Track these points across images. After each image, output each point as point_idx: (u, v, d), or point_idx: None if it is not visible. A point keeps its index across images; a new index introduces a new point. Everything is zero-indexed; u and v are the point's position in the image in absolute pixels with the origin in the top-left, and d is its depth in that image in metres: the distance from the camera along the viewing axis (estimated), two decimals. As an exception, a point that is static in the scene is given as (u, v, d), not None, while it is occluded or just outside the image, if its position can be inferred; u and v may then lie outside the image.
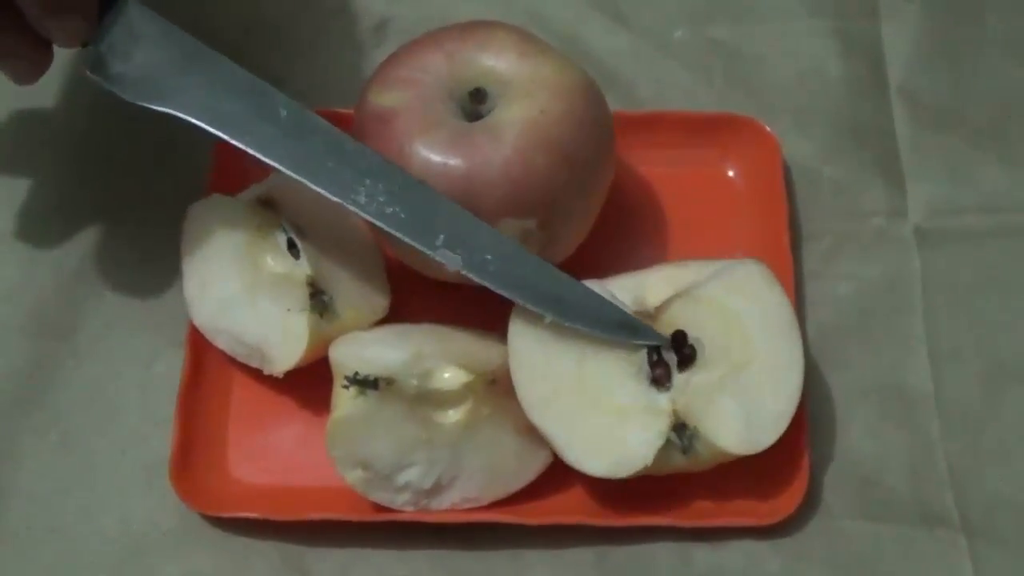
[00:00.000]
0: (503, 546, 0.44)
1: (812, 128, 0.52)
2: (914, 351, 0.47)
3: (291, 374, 0.45)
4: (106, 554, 0.44)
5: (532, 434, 0.43)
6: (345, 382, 0.42)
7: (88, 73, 0.42)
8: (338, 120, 0.44)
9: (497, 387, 0.44)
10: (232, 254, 0.46)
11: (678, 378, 0.43)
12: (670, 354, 0.43)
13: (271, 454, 0.46)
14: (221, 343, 0.46)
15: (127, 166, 0.51)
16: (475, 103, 0.44)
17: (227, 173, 0.49)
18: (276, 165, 0.42)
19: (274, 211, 0.46)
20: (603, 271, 0.45)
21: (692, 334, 0.43)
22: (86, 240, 0.49)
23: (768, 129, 0.50)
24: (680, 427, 0.42)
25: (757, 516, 0.44)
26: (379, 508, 0.43)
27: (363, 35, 0.54)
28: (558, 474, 0.44)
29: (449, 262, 0.42)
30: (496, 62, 0.44)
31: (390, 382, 0.42)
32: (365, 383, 0.42)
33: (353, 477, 0.42)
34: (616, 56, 0.54)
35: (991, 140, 0.52)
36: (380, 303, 0.46)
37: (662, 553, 0.44)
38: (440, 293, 0.45)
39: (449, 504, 0.43)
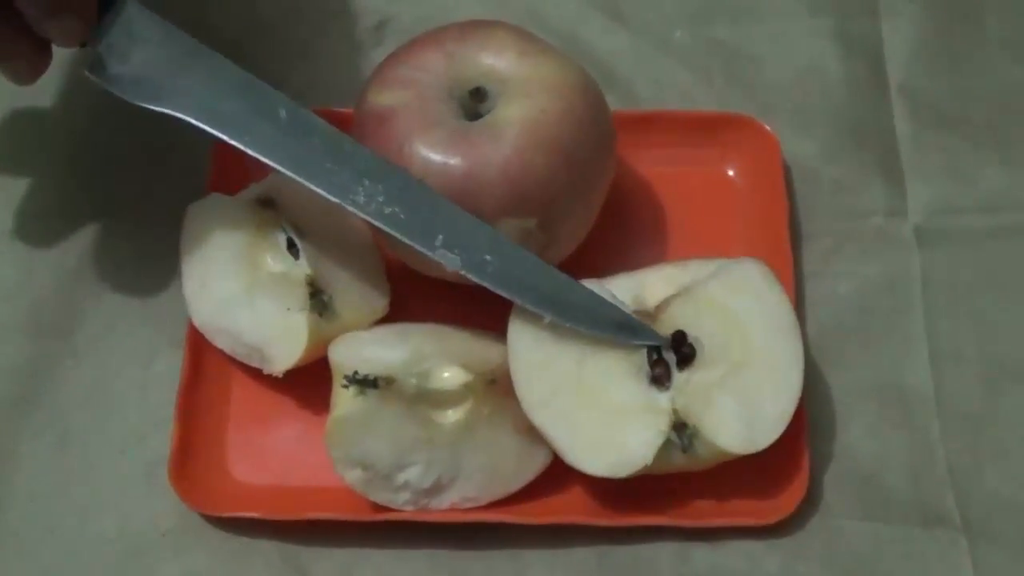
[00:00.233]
0: (503, 546, 0.44)
1: (812, 127, 0.52)
2: (914, 351, 0.47)
3: (290, 374, 0.45)
4: (105, 554, 0.44)
5: (532, 434, 0.43)
6: (344, 382, 0.42)
7: (86, 73, 0.42)
8: (338, 120, 0.44)
9: (497, 387, 0.44)
10: (231, 254, 0.46)
11: (678, 377, 0.43)
12: (670, 353, 0.43)
13: (270, 454, 0.46)
14: (220, 343, 0.46)
15: (126, 166, 0.51)
16: (475, 102, 0.44)
17: (227, 173, 0.49)
18: (275, 165, 0.42)
19: (274, 211, 0.46)
20: (603, 271, 0.45)
21: (692, 333, 0.43)
22: (85, 240, 0.49)
23: (768, 128, 0.50)
24: (680, 426, 0.42)
25: (757, 516, 0.44)
26: (379, 508, 0.43)
27: (363, 35, 0.54)
28: (558, 474, 0.44)
29: (448, 262, 0.42)
30: (496, 61, 0.44)
31: (389, 382, 0.42)
32: (364, 383, 0.42)
33: (352, 477, 0.42)
34: (616, 55, 0.54)
35: (991, 140, 0.52)
36: (379, 303, 0.46)
37: (662, 553, 0.44)
38: (440, 293, 0.45)
39: (449, 504, 0.43)
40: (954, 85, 0.53)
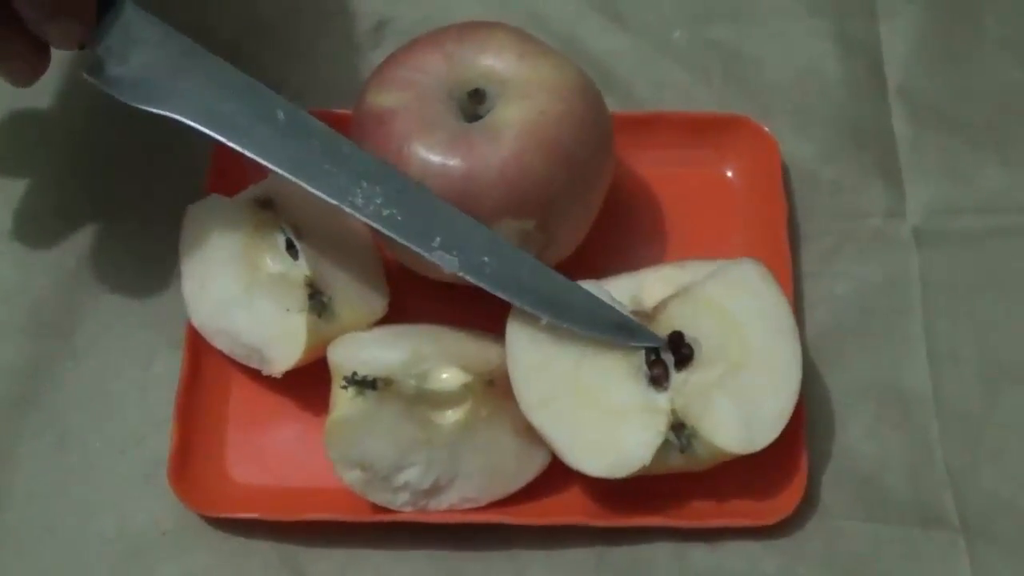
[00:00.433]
0: (502, 546, 0.44)
1: (811, 128, 0.52)
2: (913, 351, 0.47)
3: (289, 374, 0.45)
4: (104, 554, 0.44)
5: (530, 435, 0.43)
6: (343, 382, 0.42)
7: (85, 75, 0.42)
8: (337, 121, 0.45)
9: (496, 388, 0.44)
10: (231, 254, 0.46)
11: (676, 378, 0.43)
12: (668, 354, 0.43)
13: (269, 454, 0.46)
14: (220, 343, 0.46)
15: (126, 167, 0.51)
16: (474, 104, 0.44)
17: (226, 174, 0.49)
18: (273, 167, 0.42)
19: (273, 212, 0.46)
20: (602, 272, 0.45)
21: (690, 334, 0.43)
22: (85, 241, 0.49)
23: (766, 129, 0.50)
24: (678, 427, 0.42)
25: (755, 516, 0.44)
26: (377, 509, 0.43)
27: (362, 36, 0.54)
28: (556, 475, 0.44)
29: (446, 264, 0.42)
30: (495, 63, 0.44)
31: (388, 383, 0.42)
32: (363, 384, 0.42)
33: (351, 478, 0.42)
34: (615, 57, 0.54)
35: (990, 140, 0.52)
36: (379, 304, 0.46)
37: (661, 553, 0.44)
38: (439, 294, 0.45)
39: (448, 505, 0.43)
40: (953, 86, 0.53)
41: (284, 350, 0.44)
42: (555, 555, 0.44)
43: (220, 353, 0.46)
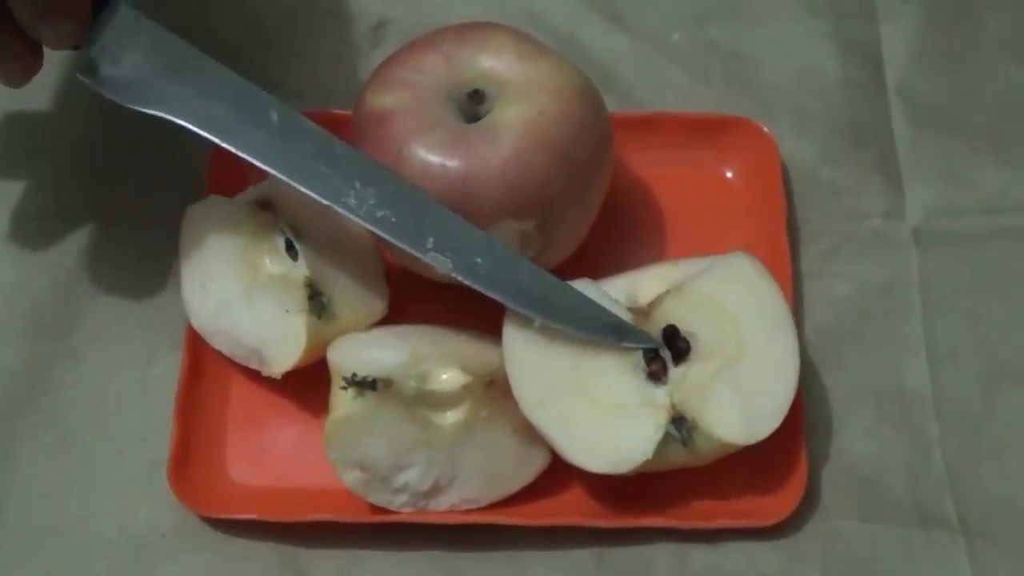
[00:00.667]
0: (501, 547, 0.44)
1: (810, 129, 0.52)
2: (912, 352, 0.47)
3: (289, 375, 0.45)
4: (104, 555, 0.44)
5: (530, 435, 0.43)
6: (343, 383, 0.42)
7: (78, 76, 0.42)
8: (336, 122, 0.45)
9: (495, 388, 0.44)
10: (230, 255, 0.46)
11: (674, 372, 0.43)
12: (665, 349, 0.43)
13: (269, 455, 0.46)
14: (219, 344, 0.46)
15: (125, 167, 0.51)
16: (473, 104, 0.44)
17: (225, 175, 0.49)
18: (266, 168, 0.42)
19: (272, 213, 0.46)
20: (601, 272, 0.45)
21: (686, 328, 0.43)
22: (84, 241, 0.49)
23: (766, 130, 0.50)
24: (679, 420, 0.42)
25: (755, 517, 0.44)
26: (377, 509, 0.43)
27: (361, 37, 0.54)
28: (556, 475, 0.44)
29: (439, 265, 0.42)
30: (494, 63, 0.44)
31: (388, 383, 0.42)
32: (363, 384, 0.42)
33: (351, 478, 0.42)
34: (614, 57, 0.54)
35: (989, 141, 0.52)
36: (378, 305, 0.46)
37: (660, 554, 0.44)
38: (438, 295, 0.45)
39: (447, 505, 0.43)
40: (952, 86, 0.53)
41: (284, 351, 0.44)
42: (555, 556, 0.44)
43: (220, 354, 0.46)
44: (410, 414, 0.43)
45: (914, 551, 0.44)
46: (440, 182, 0.42)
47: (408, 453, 0.43)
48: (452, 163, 0.42)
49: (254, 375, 0.46)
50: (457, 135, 0.43)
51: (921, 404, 0.46)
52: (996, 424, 0.46)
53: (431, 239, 0.42)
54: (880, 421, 0.46)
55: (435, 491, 0.43)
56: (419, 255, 0.42)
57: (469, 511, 0.44)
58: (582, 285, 0.43)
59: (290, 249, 0.46)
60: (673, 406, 0.42)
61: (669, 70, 0.53)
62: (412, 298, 0.47)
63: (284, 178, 0.42)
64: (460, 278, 0.42)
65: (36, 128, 0.52)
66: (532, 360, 0.43)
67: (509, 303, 0.42)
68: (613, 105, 0.48)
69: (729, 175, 0.51)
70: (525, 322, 0.43)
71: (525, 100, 0.43)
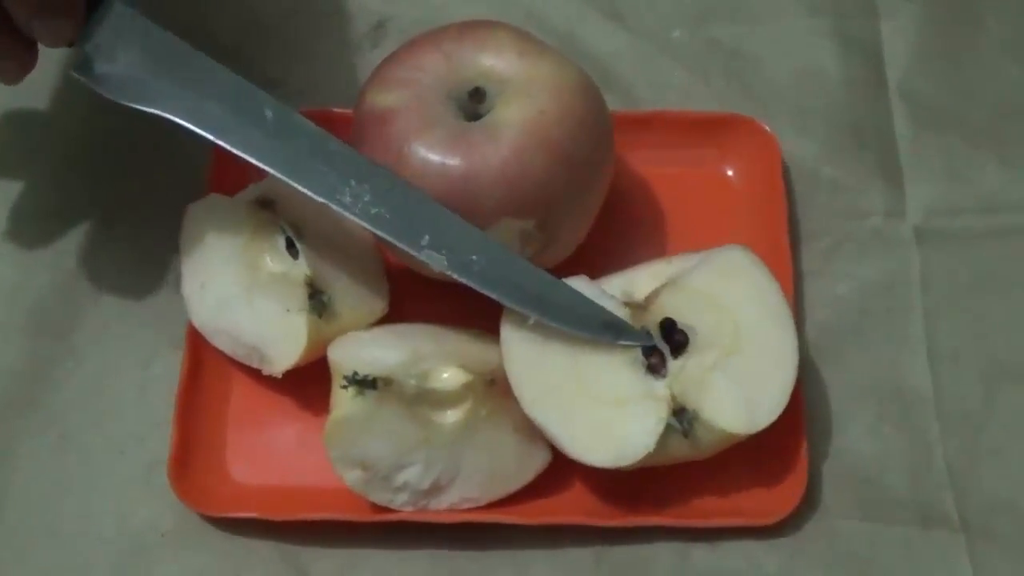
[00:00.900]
0: (502, 546, 0.44)
1: (811, 128, 0.52)
2: (913, 351, 0.47)
3: (290, 374, 0.45)
4: (104, 554, 0.44)
5: (531, 434, 0.43)
6: (344, 382, 0.42)
7: (73, 73, 0.42)
8: (336, 121, 0.45)
9: (496, 387, 0.44)
10: (231, 254, 0.46)
11: (673, 364, 0.43)
12: (663, 342, 0.43)
13: (270, 454, 0.46)
14: (220, 343, 0.46)
15: (125, 166, 0.51)
16: (474, 103, 0.44)
17: (226, 173, 0.49)
18: (261, 165, 0.42)
19: (272, 211, 0.46)
20: (601, 271, 0.45)
21: (683, 321, 0.43)
22: (84, 240, 0.49)
23: (767, 129, 0.50)
24: (680, 411, 0.42)
25: (756, 516, 0.44)
26: (378, 508, 0.43)
27: (361, 35, 0.54)
28: (557, 474, 0.44)
29: (434, 263, 0.42)
30: (495, 62, 0.44)
31: (388, 382, 0.42)
32: (364, 383, 0.42)
33: (352, 477, 0.42)
34: (615, 56, 0.54)
35: (990, 140, 0.52)
36: (379, 303, 0.46)
37: (661, 553, 0.44)
38: (438, 293, 0.45)
39: (448, 504, 0.43)
40: (953, 85, 0.53)
41: (284, 350, 0.44)
42: (555, 554, 0.44)
43: (220, 353, 0.46)
44: (411, 413, 0.43)
45: (915, 550, 0.44)
46: (441, 181, 0.42)
47: (409, 452, 0.43)
48: (453, 162, 0.42)
49: (255, 374, 0.46)
50: (458, 134, 0.43)
51: (922, 403, 0.46)
52: (996, 423, 0.46)
53: (426, 237, 0.42)
54: (881, 420, 0.46)
55: (436, 490, 0.43)
56: (414, 252, 0.42)
57: (470, 510, 0.44)
58: (578, 283, 0.43)
59: (291, 248, 0.46)
60: (673, 398, 0.42)
61: (670, 69, 0.53)
62: (413, 297, 0.47)
63: (279, 175, 0.42)
64: (455, 276, 0.42)
65: (36, 127, 0.52)
66: (531, 357, 0.43)
67: (504, 301, 0.42)
68: (613, 104, 0.48)
69: (730, 174, 0.51)
70: (523, 319, 0.43)
71: (526, 99, 0.43)
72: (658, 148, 0.50)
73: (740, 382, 0.42)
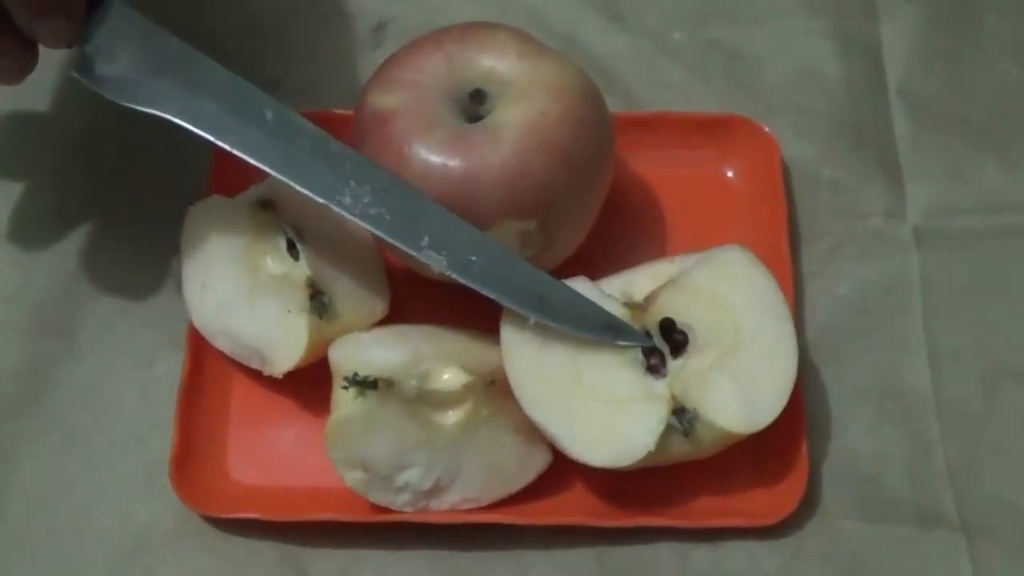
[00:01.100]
0: (503, 547, 0.44)
1: (811, 129, 0.52)
2: (913, 351, 0.47)
3: (290, 375, 0.45)
4: (105, 555, 0.44)
5: (531, 434, 0.43)
6: (344, 383, 0.42)
7: (73, 73, 0.42)
8: (337, 122, 0.45)
9: (496, 388, 0.44)
10: (232, 255, 0.46)
11: (673, 364, 0.43)
12: (663, 342, 0.43)
13: (271, 455, 0.46)
14: (221, 344, 0.46)
15: (126, 167, 0.51)
16: (474, 104, 0.44)
17: (227, 174, 0.49)
18: (261, 166, 0.42)
19: (273, 212, 0.46)
20: (602, 272, 0.45)
21: (682, 321, 0.43)
22: (86, 241, 0.49)
23: (767, 130, 0.50)
24: (680, 411, 0.42)
25: (756, 516, 0.44)
26: (378, 509, 0.43)
27: (362, 36, 0.54)
28: (557, 475, 0.44)
29: (434, 263, 0.42)
30: (495, 63, 0.44)
31: (389, 383, 0.42)
32: (364, 384, 0.42)
33: (352, 478, 0.42)
34: (615, 57, 0.54)
35: (990, 141, 0.52)
36: (379, 304, 0.46)
37: (661, 553, 0.44)
38: (439, 294, 0.45)
39: (449, 505, 0.43)
40: (953, 86, 0.53)
41: (285, 351, 0.44)
42: (556, 555, 0.44)
43: (221, 354, 0.46)
44: (411, 413, 0.43)
45: (915, 550, 0.44)
46: (441, 182, 0.42)
47: (409, 452, 0.43)
48: (453, 163, 0.42)
49: (255, 375, 0.46)
50: (458, 135, 0.43)
51: (922, 403, 0.46)
52: (996, 423, 0.46)
53: (426, 237, 0.42)
54: (881, 420, 0.46)
55: (436, 490, 0.43)
56: (414, 253, 0.42)
57: (470, 510, 0.44)
58: (578, 283, 0.43)
59: (291, 249, 0.46)
60: (674, 398, 0.42)
61: (670, 70, 0.54)
62: (413, 298, 0.47)
63: (279, 176, 0.42)
64: (454, 276, 0.42)
65: (36, 127, 0.52)
66: (531, 357, 0.43)
67: (504, 301, 0.42)
68: (613, 105, 0.48)
69: (730, 175, 0.51)
70: (523, 320, 0.43)
71: (526, 100, 0.43)
72: (658, 149, 0.50)
73: (740, 382, 0.42)
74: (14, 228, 0.50)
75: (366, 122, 0.44)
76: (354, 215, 0.42)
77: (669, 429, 0.41)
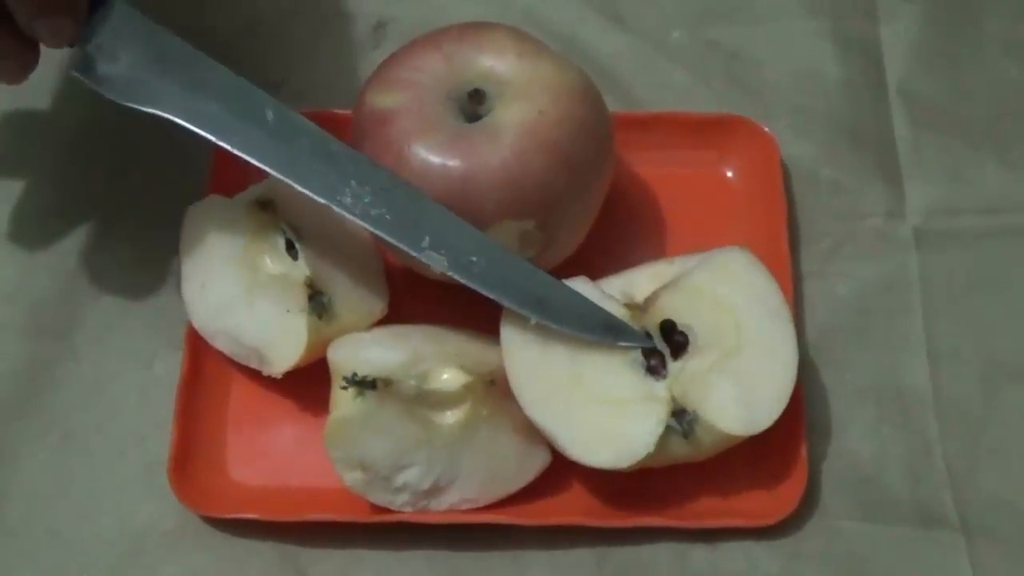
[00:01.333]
0: (502, 547, 0.44)
1: (810, 129, 0.52)
2: (912, 352, 0.47)
3: (290, 375, 0.45)
4: (104, 555, 0.44)
5: (531, 435, 0.43)
6: (343, 383, 0.42)
7: (74, 73, 0.42)
8: (336, 122, 0.44)
9: (496, 388, 0.44)
10: (231, 255, 0.46)
11: (673, 366, 0.43)
12: (663, 343, 0.43)
13: (270, 455, 0.46)
14: (220, 344, 0.46)
15: (126, 167, 0.51)
16: (474, 104, 0.44)
17: (226, 174, 0.49)
18: (262, 166, 0.42)
19: (272, 212, 0.46)
20: (601, 272, 0.45)
21: (683, 322, 0.43)
22: (85, 241, 0.49)
23: (766, 130, 0.50)
24: (679, 413, 0.42)
25: (756, 517, 0.44)
26: (377, 509, 0.43)
27: (361, 36, 0.54)
28: (557, 475, 0.44)
29: (434, 263, 0.42)
30: (495, 63, 0.44)
31: (388, 383, 0.42)
32: (363, 384, 0.42)
33: (352, 478, 0.42)
34: (614, 57, 0.54)
35: (989, 141, 0.52)
36: (378, 304, 0.46)
37: (661, 554, 0.44)
38: (438, 294, 0.45)
39: (448, 505, 0.43)
40: (953, 86, 0.53)
41: (284, 350, 0.44)
42: (556, 555, 0.44)
43: (220, 354, 0.46)
44: (410, 414, 0.43)
45: (914, 551, 0.44)
46: (440, 182, 0.42)
47: (408, 453, 0.43)
48: (452, 163, 0.42)
49: (255, 375, 0.46)
50: (457, 135, 0.43)
51: (921, 403, 0.46)
52: (996, 423, 0.46)
53: (427, 237, 0.42)
54: (880, 420, 0.46)
55: (435, 491, 0.43)
56: (414, 253, 0.42)
57: (469, 511, 0.44)
58: (578, 284, 0.43)
59: (290, 249, 0.46)
60: (673, 399, 0.42)
61: (669, 70, 0.54)
62: (412, 298, 0.47)
63: (280, 176, 0.42)
64: (455, 276, 0.42)
65: (36, 127, 0.52)
66: (531, 358, 0.43)
67: (504, 302, 0.42)
68: (613, 105, 0.48)
69: (729, 175, 0.51)
70: (522, 320, 0.43)
71: (526, 100, 0.43)
72: (658, 149, 0.50)
73: (740, 383, 0.42)
74: (14, 228, 0.50)
75: (365, 122, 0.44)
76: (355, 215, 0.42)
77: (669, 431, 0.41)
